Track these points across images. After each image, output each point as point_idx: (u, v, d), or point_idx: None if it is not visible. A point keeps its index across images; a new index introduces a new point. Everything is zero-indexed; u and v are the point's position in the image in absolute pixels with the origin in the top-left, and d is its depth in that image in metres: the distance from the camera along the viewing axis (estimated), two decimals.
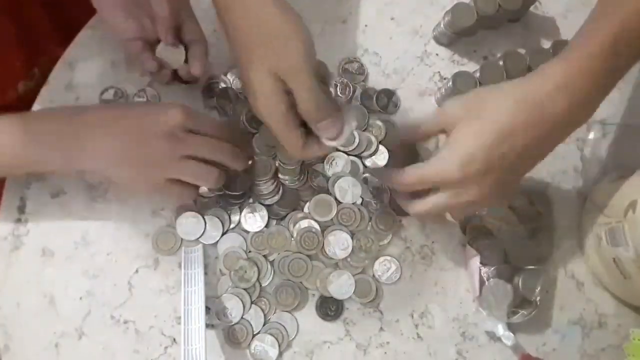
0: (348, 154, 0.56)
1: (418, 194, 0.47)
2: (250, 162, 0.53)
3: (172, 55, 0.53)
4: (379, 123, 0.57)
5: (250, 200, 0.54)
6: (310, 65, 0.43)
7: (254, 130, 0.55)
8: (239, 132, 0.55)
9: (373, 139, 0.56)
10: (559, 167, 0.59)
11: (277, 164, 0.54)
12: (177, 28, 0.52)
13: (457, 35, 0.60)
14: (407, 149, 0.55)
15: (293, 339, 0.52)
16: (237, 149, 0.51)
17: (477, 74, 0.56)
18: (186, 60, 0.53)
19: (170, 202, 0.54)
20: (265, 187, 0.53)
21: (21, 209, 0.53)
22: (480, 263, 0.53)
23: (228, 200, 0.54)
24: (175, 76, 0.55)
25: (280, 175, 0.54)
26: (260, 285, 0.52)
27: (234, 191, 0.53)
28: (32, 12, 0.60)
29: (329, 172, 0.55)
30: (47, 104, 0.56)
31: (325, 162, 0.55)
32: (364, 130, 0.57)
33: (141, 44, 0.52)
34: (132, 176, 0.48)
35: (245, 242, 0.53)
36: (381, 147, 0.57)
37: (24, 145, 0.46)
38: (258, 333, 0.51)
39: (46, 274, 0.52)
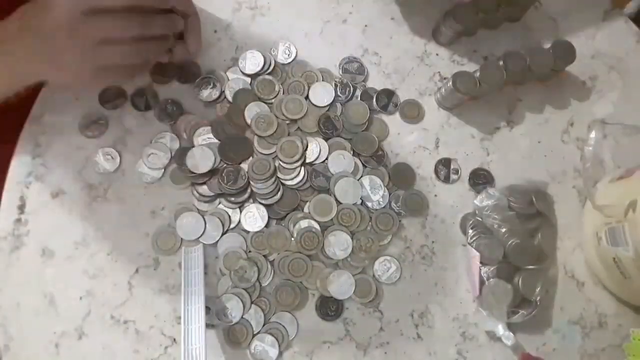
0: (354, 153, 0.56)
1: None
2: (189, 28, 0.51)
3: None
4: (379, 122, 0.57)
5: (250, 200, 0.54)
6: None
7: None
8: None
9: (374, 138, 0.56)
10: (559, 167, 0.59)
11: (277, 164, 0.55)
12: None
13: (457, 35, 0.60)
14: (405, 166, 0.56)
15: (293, 339, 0.52)
16: (157, 15, 0.47)
17: (477, 74, 0.56)
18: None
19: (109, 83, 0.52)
20: (265, 187, 0.53)
21: (21, 209, 0.53)
22: (480, 263, 0.53)
23: (228, 199, 0.54)
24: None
25: (280, 175, 0.54)
26: (260, 285, 0.52)
27: (233, 186, 0.53)
28: None
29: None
30: (48, 104, 0.56)
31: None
32: (364, 130, 0.57)
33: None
34: (46, 73, 0.47)
35: (245, 242, 0.53)
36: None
37: None
38: (258, 333, 0.51)
39: (46, 274, 0.52)
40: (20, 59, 0.45)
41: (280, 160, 0.54)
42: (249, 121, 0.55)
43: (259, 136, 0.55)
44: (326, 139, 0.56)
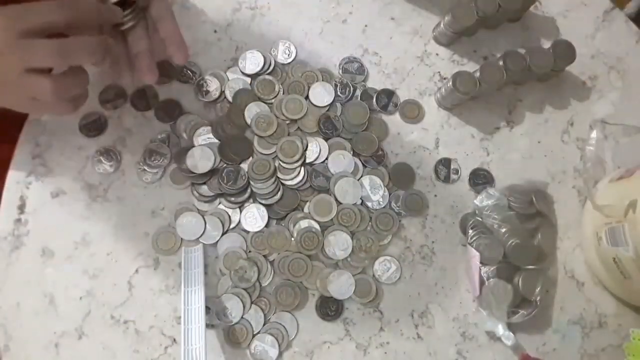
0: (354, 153, 0.56)
1: None
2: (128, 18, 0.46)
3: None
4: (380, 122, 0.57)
5: (251, 200, 0.54)
6: None
7: None
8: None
9: (374, 138, 0.56)
10: (559, 167, 0.59)
11: (276, 164, 0.55)
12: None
13: (457, 35, 0.60)
14: (405, 166, 0.56)
15: (293, 339, 0.52)
16: (87, 39, 0.41)
17: (477, 74, 0.56)
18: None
19: (52, 104, 0.44)
20: (265, 187, 0.53)
21: (21, 209, 0.53)
22: (480, 263, 0.53)
23: (228, 199, 0.54)
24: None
25: (280, 175, 0.54)
26: (260, 285, 0.52)
27: (232, 185, 0.53)
28: None
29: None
30: None
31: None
32: (364, 130, 0.57)
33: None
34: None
35: (245, 242, 0.53)
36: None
37: None
38: (258, 333, 0.51)
39: (46, 274, 0.52)
40: None
41: (280, 160, 0.54)
42: (249, 121, 0.55)
43: (259, 136, 0.55)
44: (326, 139, 0.56)
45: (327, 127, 0.56)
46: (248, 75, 0.58)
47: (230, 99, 0.57)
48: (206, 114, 0.57)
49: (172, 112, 0.56)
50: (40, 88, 0.40)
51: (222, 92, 0.57)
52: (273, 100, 0.57)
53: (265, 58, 0.58)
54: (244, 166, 0.54)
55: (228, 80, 0.57)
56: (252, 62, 0.58)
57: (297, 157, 0.54)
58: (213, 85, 0.57)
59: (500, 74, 0.56)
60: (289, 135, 0.56)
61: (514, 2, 0.57)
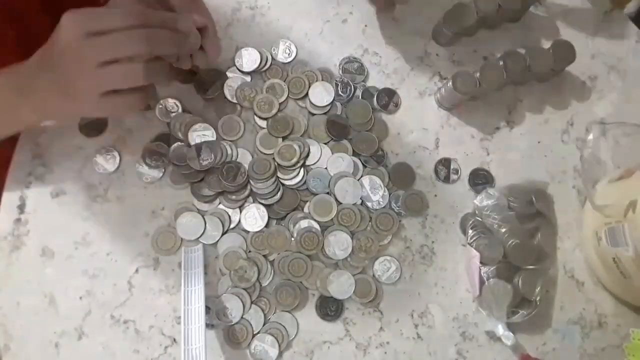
0: (354, 153, 0.56)
1: None
2: (192, 42, 0.46)
3: None
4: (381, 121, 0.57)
5: (250, 200, 0.54)
6: None
7: None
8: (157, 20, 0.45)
9: (374, 138, 0.56)
10: (559, 167, 0.59)
11: (276, 164, 0.55)
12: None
13: (457, 35, 0.60)
14: (405, 166, 0.56)
15: (293, 338, 0.52)
16: (163, 30, 0.43)
17: (477, 74, 0.56)
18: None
19: (115, 114, 0.49)
20: (265, 187, 0.53)
21: (21, 209, 0.53)
22: (480, 263, 0.53)
23: (228, 197, 0.54)
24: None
25: (280, 175, 0.54)
26: (260, 285, 0.52)
27: (232, 183, 0.53)
28: (33, 18, 0.60)
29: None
30: None
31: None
32: (367, 131, 0.57)
33: None
34: (66, 104, 0.44)
35: (245, 242, 0.53)
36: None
37: None
38: (258, 333, 0.51)
39: (46, 274, 0.52)
40: (41, 96, 0.44)
41: (278, 163, 0.54)
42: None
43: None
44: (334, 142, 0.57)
45: (335, 130, 0.56)
46: (246, 73, 0.58)
47: (230, 98, 0.57)
48: (205, 113, 0.57)
49: (173, 111, 0.56)
50: (117, 77, 0.42)
51: (222, 91, 0.57)
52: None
53: (261, 54, 0.58)
54: (245, 164, 0.54)
55: (227, 79, 0.57)
56: (249, 59, 0.58)
57: (294, 160, 0.54)
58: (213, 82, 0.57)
59: (500, 74, 0.56)
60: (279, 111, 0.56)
61: (514, 2, 0.57)
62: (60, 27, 0.41)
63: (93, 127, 0.55)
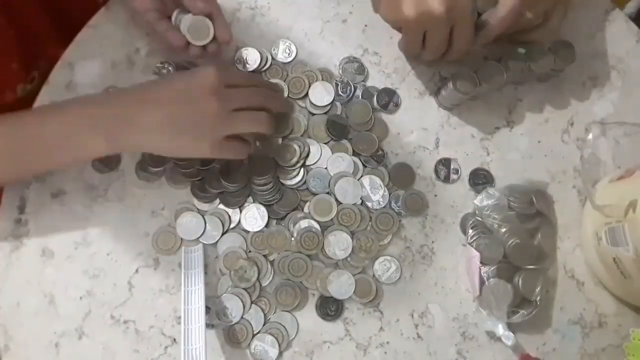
0: (354, 153, 0.56)
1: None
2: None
3: (200, 26, 0.52)
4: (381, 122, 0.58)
5: (250, 200, 0.54)
6: None
7: None
8: (267, 83, 0.58)
9: (374, 138, 0.56)
10: (559, 167, 0.59)
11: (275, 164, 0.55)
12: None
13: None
14: (405, 166, 0.57)
15: (293, 338, 0.52)
16: (272, 90, 0.55)
17: (477, 74, 0.56)
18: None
19: (228, 157, 0.51)
20: (265, 187, 0.53)
21: (21, 209, 0.53)
22: (480, 263, 0.53)
23: (228, 197, 0.54)
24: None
25: (279, 175, 0.54)
26: (260, 285, 0.52)
27: (232, 183, 0.53)
28: (32, 14, 0.60)
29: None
30: (47, 104, 0.56)
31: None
32: (367, 131, 0.57)
33: (165, 21, 0.54)
34: (188, 143, 0.48)
35: (245, 242, 0.53)
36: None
37: (61, 133, 0.47)
38: (258, 333, 0.51)
39: (46, 274, 0.52)
40: (139, 130, 0.47)
41: (277, 163, 0.54)
42: None
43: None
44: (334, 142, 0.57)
45: (335, 130, 0.56)
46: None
47: None
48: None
49: None
50: (245, 119, 0.49)
51: None
52: None
53: (261, 54, 0.58)
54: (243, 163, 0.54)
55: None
56: (249, 59, 0.58)
57: (294, 160, 0.54)
58: None
59: (500, 74, 0.56)
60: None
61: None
62: (204, 73, 0.48)
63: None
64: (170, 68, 0.57)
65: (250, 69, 0.58)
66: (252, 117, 0.50)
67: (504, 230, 0.54)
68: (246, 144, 0.51)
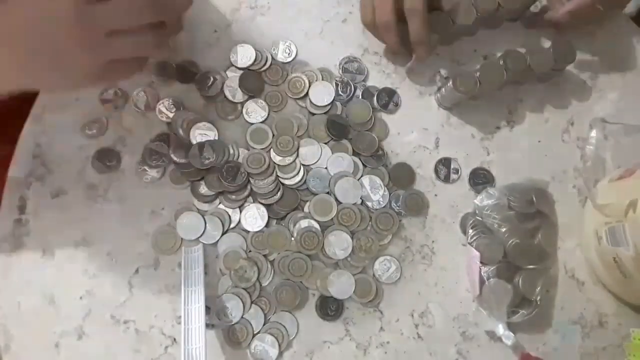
0: (354, 153, 0.56)
1: None
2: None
3: None
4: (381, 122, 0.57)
5: (250, 200, 0.54)
6: None
7: None
8: None
9: (374, 138, 0.56)
10: (559, 167, 0.59)
11: (272, 159, 0.55)
12: None
13: (457, 36, 0.60)
14: (405, 166, 0.57)
15: (293, 338, 0.52)
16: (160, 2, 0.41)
17: (477, 74, 0.56)
18: None
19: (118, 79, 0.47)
20: (265, 186, 0.53)
21: (21, 209, 0.53)
22: (480, 263, 0.53)
23: (228, 197, 0.54)
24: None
25: (279, 174, 0.54)
26: (261, 285, 0.52)
27: (232, 183, 0.53)
28: None
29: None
30: (47, 103, 0.56)
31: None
32: (367, 131, 0.57)
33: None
34: (65, 78, 0.41)
35: (245, 241, 0.53)
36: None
37: None
38: (258, 333, 0.51)
39: (46, 274, 0.52)
40: (5, 64, 0.40)
41: (275, 159, 0.55)
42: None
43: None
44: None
45: (335, 130, 0.56)
46: (242, 69, 0.58)
47: (229, 97, 0.57)
48: (206, 113, 0.57)
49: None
50: (127, 47, 0.40)
51: (222, 90, 0.57)
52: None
53: (261, 54, 0.58)
54: (243, 162, 0.54)
55: (227, 78, 0.57)
56: (244, 55, 0.58)
57: (291, 153, 0.54)
58: (213, 81, 0.57)
59: (501, 73, 0.56)
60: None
61: (513, 1, 0.57)
62: None
63: (93, 127, 0.55)
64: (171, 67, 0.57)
65: (245, 66, 0.57)
66: (132, 42, 0.40)
67: (504, 230, 0.54)
68: (137, 60, 0.43)
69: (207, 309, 0.50)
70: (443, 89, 0.58)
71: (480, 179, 0.57)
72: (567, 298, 0.55)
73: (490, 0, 0.57)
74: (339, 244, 0.53)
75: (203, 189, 0.54)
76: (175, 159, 0.54)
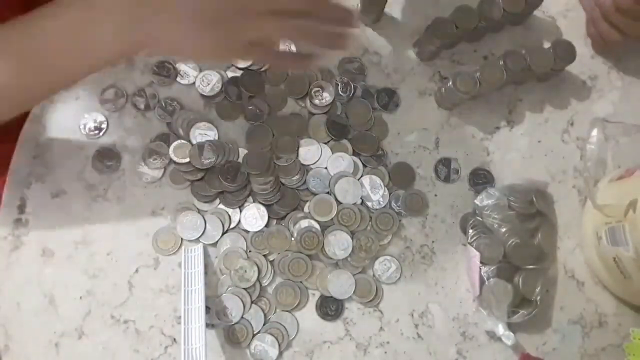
0: (354, 153, 0.56)
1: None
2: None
3: None
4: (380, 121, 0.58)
5: (250, 199, 0.54)
6: None
7: None
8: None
9: (374, 138, 0.56)
10: (559, 167, 0.59)
11: (272, 158, 0.55)
12: None
13: (458, 39, 0.60)
14: (405, 166, 0.57)
15: (293, 338, 0.52)
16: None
17: (477, 74, 0.56)
18: None
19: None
20: (265, 186, 0.53)
21: (21, 209, 0.53)
22: (480, 263, 0.53)
23: (228, 197, 0.54)
24: None
25: (279, 174, 0.54)
26: (261, 285, 0.52)
27: (232, 183, 0.53)
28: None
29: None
30: (46, 103, 0.56)
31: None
32: (367, 131, 0.57)
33: None
34: (209, 44, 0.42)
35: (245, 241, 0.53)
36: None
37: (66, 28, 0.40)
38: (258, 333, 0.51)
39: (46, 274, 0.52)
40: (158, 28, 0.40)
41: (276, 159, 0.54)
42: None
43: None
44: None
45: (335, 130, 0.56)
46: (241, 69, 0.58)
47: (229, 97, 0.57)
48: (206, 113, 0.57)
49: (173, 111, 0.56)
50: (281, 27, 0.43)
51: (222, 89, 0.57)
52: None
53: None
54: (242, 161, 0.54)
55: (227, 78, 0.57)
56: None
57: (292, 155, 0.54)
58: (214, 79, 0.57)
59: (501, 73, 0.56)
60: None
61: (517, 5, 0.57)
62: None
63: (93, 127, 0.55)
64: (170, 66, 0.57)
65: (245, 66, 0.57)
66: (288, 25, 0.42)
67: (504, 230, 0.54)
68: (270, 49, 0.45)
69: (207, 309, 0.50)
70: (443, 89, 0.58)
71: (480, 179, 0.57)
72: (567, 298, 0.55)
73: (496, 9, 0.57)
74: (339, 244, 0.53)
75: (203, 189, 0.54)
76: (175, 159, 0.54)
